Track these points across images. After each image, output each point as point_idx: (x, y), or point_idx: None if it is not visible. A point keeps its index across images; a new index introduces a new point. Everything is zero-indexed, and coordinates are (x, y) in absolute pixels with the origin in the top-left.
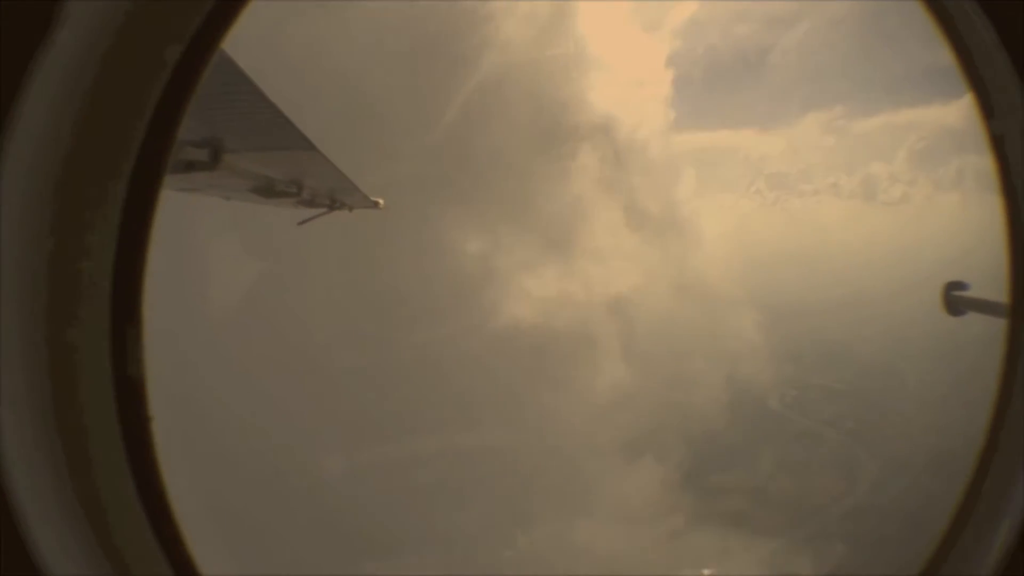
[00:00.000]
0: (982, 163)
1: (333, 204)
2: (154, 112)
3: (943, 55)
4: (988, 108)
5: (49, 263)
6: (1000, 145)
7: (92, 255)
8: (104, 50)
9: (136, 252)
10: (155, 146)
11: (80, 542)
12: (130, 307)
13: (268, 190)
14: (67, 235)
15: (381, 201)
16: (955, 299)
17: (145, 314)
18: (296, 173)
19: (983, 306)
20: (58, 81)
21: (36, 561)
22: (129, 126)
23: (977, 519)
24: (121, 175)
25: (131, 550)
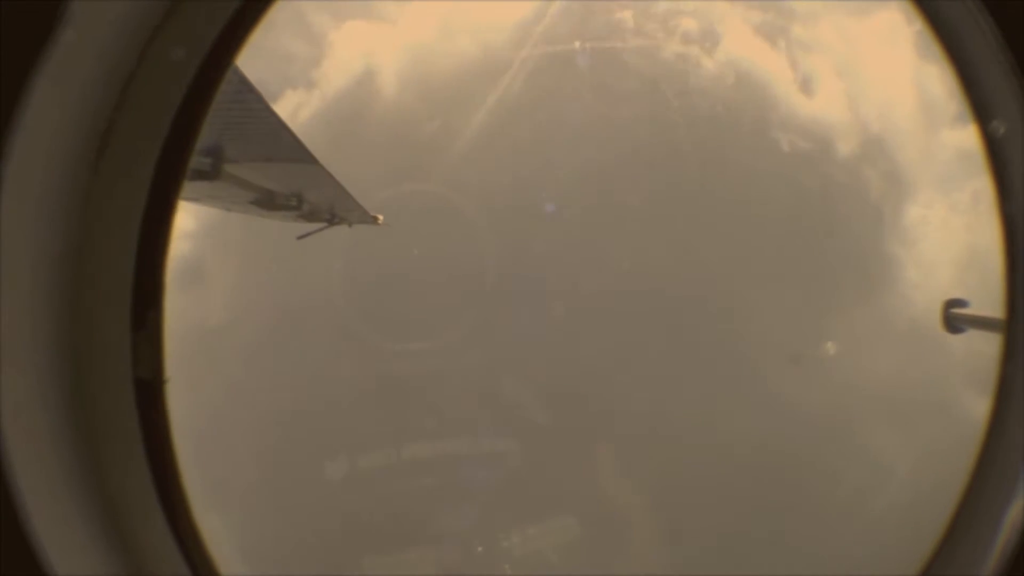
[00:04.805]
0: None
1: (333, 219)
2: (176, 114)
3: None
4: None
5: (58, 265)
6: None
7: (108, 254)
8: (112, 50)
9: (155, 253)
10: (176, 147)
11: (95, 542)
12: (147, 308)
13: (269, 202)
14: (75, 236)
15: (380, 217)
16: (954, 316)
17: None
18: (297, 186)
19: (981, 322)
20: (65, 81)
21: (43, 562)
22: (150, 127)
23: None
24: (138, 176)
25: (148, 549)
